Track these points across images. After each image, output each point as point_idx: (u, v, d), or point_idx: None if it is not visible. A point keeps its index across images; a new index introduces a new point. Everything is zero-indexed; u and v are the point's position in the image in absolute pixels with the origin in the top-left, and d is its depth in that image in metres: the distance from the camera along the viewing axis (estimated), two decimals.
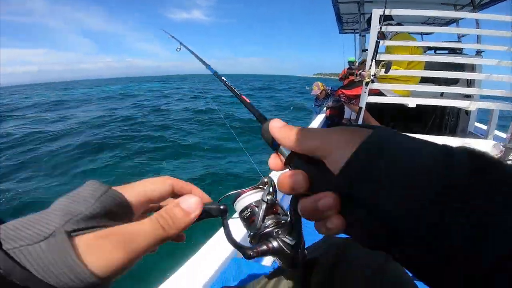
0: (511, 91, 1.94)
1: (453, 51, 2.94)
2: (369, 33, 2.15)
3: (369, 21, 3.40)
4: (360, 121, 2.21)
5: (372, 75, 2.01)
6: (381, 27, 1.98)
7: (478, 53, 2.70)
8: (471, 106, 2.15)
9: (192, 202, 0.26)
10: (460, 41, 3.17)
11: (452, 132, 3.00)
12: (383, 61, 2.01)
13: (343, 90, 2.93)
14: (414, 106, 2.15)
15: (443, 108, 2.89)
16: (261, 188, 0.44)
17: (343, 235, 0.24)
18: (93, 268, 0.18)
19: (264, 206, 0.38)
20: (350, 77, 4.22)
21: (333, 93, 4.13)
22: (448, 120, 2.98)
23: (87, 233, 0.20)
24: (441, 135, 2.74)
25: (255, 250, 0.33)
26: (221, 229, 1.08)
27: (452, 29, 2.82)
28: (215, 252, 0.98)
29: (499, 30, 1.98)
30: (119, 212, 0.24)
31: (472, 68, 2.62)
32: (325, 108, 4.15)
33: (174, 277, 0.86)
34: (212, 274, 0.90)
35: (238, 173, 4.58)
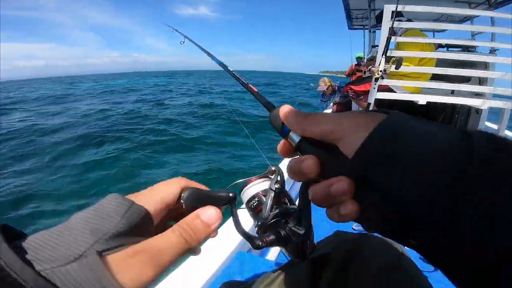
0: None
1: (466, 48, 2.87)
2: (379, 29, 2.11)
3: (378, 18, 3.35)
4: None
5: (381, 71, 1.97)
6: (392, 23, 1.94)
7: (492, 51, 2.64)
8: (484, 105, 2.10)
9: (212, 213, 0.26)
10: (474, 39, 3.09)
11: None
12: (394, 57, 1.98)
13: (352, 86, 2.89)
14: (425, 103, 2.11)
15: (453, 106, 2.84)
16: (268, 177, 0.42)
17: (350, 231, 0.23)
18: (127, 287, 0.19)
19: (272, 195, 0.36)
20: (357, 73, 4.16)
21: (340, 89, 4.09)
22: (458, 118, 2.93)
23: (116, 252, 0.20)
24: None
25: (264, 240, 0.32)
26: (226, 224, 1.08)
27: (462, 26, 2.75)
28: (219, 246, 0.98)
29: None
30: (143, 226, 0.24)
31: (485, 66, 2.56)
32: (331, 104, 4.11)
33: (178, 271, 0.86)
34: (217, 268, 0.90)
35: (242, 167, 4.59)
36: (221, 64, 0.69)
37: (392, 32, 2.03)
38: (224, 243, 0.98)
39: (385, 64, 1.96)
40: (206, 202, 0.27)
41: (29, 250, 0.18)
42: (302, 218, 0.32)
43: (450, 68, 2.08)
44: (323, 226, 1.46)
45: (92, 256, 0.19)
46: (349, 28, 5.31)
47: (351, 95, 2.92)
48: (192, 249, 0.25)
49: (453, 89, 2.39)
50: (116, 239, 0.21)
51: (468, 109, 2.87)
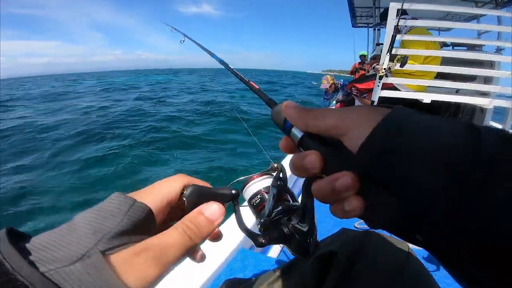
0: None
1: (471, 47, 2.84)
2: (383, 27, 2.09)
3: (382, 16, 3.32)
4: None
5: (385, 69, 1.96)
6: (398, 21, 1.92)
7: (498, 50, 2.60)
8: (491, 104, 2.07)
9: (215, 209, 0.26)
10: (479, 38, 3.06)
11: None
12: (398, 55, 1.96)
13: (355, 84, 2.88)
14: (429, 101, 2.09)
15: (458, 105, 2.81)
16: (271, 174, 0.42)
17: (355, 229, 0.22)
18: (132, 286, 0.19)
19: (274, 192, 0.36)
20: (361, 71, 4.14)
21: (343, 86, 4.07)
22: (462, 117, 2.90)
23: (120, 251, 0.20)
24: None
25: (267, 237, 0.31)
26: (228, 220, 1.08)
27: (468, 25, 2.71)
28: (221, 243, 0.97)
29: None
30: (146, 224, 0.24)
31: (491, 65, 2.53)
32: (334, 102, 4.09)
33: (180, 268, 0.86)
34: (219, 265, 0.90)
35: (244, 164, 4.59)
36: (221, 62, 0.68)
37: (397, 30, 2.01)
38: (226, 240, 0.98)
39: (389, 62, 1.95)
40: (209, 199, 0.27)
41: (33, 251, 0.18)
42: (305, 215, 0.32)
43: (455, 67, 2.06)
44: (326, 222, 1.46)
45: (95, 255, 0.19)
46: (353, 26, 5.28)
47: (354, 93, 2.90)
48: (196, 246, 0.24)
49: (458, 87, 2.37)
50: (119, 238, 0.21)
51: (472, 108, 2.85)
